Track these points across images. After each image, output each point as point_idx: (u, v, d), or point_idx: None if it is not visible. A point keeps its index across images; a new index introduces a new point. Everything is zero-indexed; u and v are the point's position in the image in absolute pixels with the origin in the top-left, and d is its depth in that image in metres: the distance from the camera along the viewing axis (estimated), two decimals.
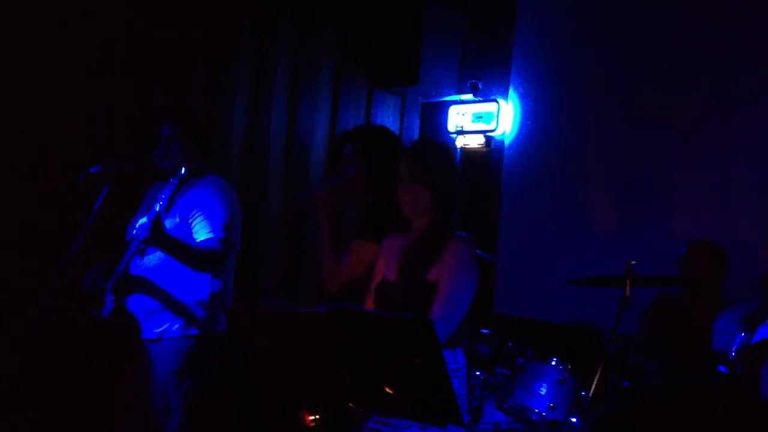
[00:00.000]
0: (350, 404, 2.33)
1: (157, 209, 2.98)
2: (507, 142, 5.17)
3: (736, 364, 2.73)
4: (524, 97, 5.10)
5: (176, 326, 3.25)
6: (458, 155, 5.34)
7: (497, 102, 5.18)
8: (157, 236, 3.01)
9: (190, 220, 3.27)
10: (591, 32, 4.76)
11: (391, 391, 2.07)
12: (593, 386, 3.25)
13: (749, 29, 4.10)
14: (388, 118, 5.64)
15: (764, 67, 4.03)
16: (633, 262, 3.35)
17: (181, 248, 3.16)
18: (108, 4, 4.13)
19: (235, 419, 4.06)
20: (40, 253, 3.93)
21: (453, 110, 5.41)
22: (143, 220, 3.02)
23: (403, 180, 2.57)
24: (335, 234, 2.84)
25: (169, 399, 3.20)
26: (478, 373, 3.47)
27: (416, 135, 5.71)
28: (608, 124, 4.65)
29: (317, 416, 3.14)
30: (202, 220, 3.26)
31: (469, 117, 5.32)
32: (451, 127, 5.40)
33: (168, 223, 3.24)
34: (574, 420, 3.24)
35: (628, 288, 3.32)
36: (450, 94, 5.46)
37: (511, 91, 5.17)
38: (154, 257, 3.24)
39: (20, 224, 3.91)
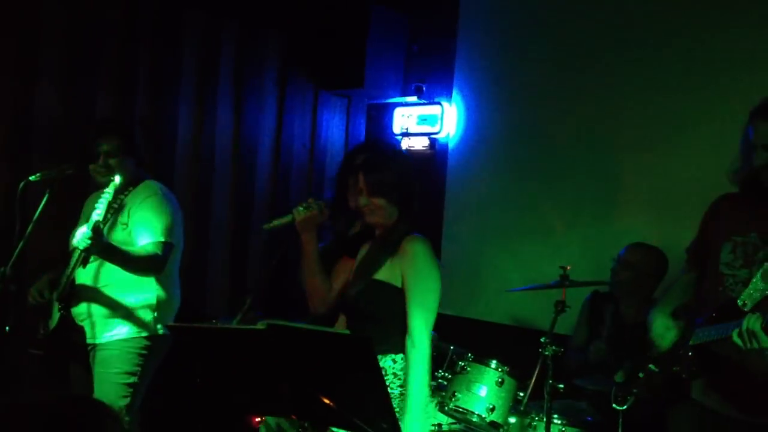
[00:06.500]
0: (292, 416, 2.39)
1: (96, 218, 3.00)
2: (451, 144, 5.23)
3: (670, 363, 2.63)
4: (468, 100, 5.17)
5: (125, 329, 3.33)
6: None
7: (441, 105, 5.24)
8: (97, 245, 3.02)
9: (130, 227, 3.33)
10: (532, 36, 4.84)
11: (330, 403, 2.12)
12: (529, 388, 3.35)
13: (687, 36, 4.20)
14: (334, 119, 5.68)
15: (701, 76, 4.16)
16: (568, 267, 3.45)
17: (120, 255, 3.19)
18: (49, 9, 4.07)
19: (183, 419, 4.08)
20: None
21: (398, 112, 5.46)
22: (83, 229, 3.03)
23: (362, 193, 2.66)
24: (319, 255, 2.87)
25: (118, 399, 3.25)
26: None
27: (362, 136, 5.76)
28: (550, 126, 4.73)
29: (262, 418, 3.20)
30: (142, 225, 3.32)
31: (414, 119, 5.38)
32: (397, 128, 5.45)
33: (108, 232, 3.28)
34: (512, 421, 3.34)
35: (563, 293, 3.42)
36: (395, 96, 5.51)
37: (454, 93, 5.23)
38: (96, 265, 3.30)
39: None
